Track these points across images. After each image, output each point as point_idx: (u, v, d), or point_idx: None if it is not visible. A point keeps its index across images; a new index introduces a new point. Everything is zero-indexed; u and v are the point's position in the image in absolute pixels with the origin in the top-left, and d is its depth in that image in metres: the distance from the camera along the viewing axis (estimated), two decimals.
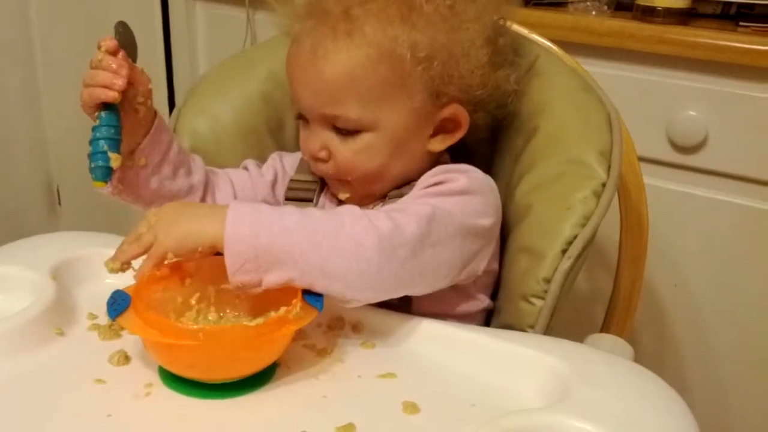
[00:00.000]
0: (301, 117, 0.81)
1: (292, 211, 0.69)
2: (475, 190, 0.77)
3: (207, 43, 1.79)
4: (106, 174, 0.72)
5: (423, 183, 0.79)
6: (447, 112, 0.79)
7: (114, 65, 0.72)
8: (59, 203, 1.64)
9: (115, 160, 0.72)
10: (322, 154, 0.79)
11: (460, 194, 0.76)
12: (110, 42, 0.72)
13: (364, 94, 0.75)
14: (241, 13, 1.62)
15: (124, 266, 0.68)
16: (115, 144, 0.72)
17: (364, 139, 0.78)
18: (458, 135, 0.81)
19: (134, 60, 0.75)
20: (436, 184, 0.77)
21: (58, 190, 1.64)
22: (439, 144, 0.81)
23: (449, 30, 0.75)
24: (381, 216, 0.69)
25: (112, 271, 0.68)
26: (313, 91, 0.77)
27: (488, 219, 0.78)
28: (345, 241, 0.67)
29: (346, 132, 0.78)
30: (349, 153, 0.78)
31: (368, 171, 0.79)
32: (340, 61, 0.74)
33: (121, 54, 0.73)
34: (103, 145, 0.71)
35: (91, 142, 0.72)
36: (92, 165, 0.72)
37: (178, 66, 1.80)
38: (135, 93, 0.74)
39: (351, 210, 0.71)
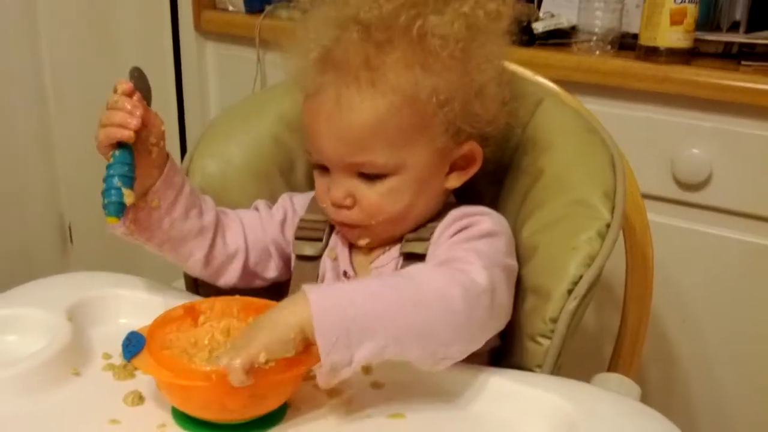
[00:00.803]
0: (319, 166, 0.82)
1: (368, 280, 0.70)
2: (500, 232, 0.79)
3: (218, 82, 1.82)
4: (119, 210, 0.73)
5: (446, 231, 0.80)
6: (464, 149, 0.81)
7: (129, 106, 0.74)
8: (71, 241, 1.66)
9: (128, 196, 0.73)
10: (348, 202, 0.80)
11: (488, 236, 0.78)
12: (126, 85, 0.75)
13: (391, 139, 0.77)
14: (251, 54, 1.65)
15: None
16: (129, 181, 0.73)
17: (390, 182, 0.79)
18: (473, 170, 0.83)
19: (149, 104, 0.77)
20: (462, 229, 0.79)
21: (70, 228, 1.65)
22: (455, 180, 0.83)
23: (464, 72, 0.78)
24: (449, 269, 0.71)
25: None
26: (340, 141, 0.78)
27: (513, 259, 0.80)
28: (431, 297, 0.68)
29: (372, 177, 0.79)
30: (375, 197, 0.80)
31: (394, 213, 0.80)
32: (366, 109, 0.76)
33: (136, 96, 0.75)
34: (116, 181, 0.72)
35: (105, 179, 0.73)
36: (105, 201, 0.73)
37: (190, 105, 1.83)
38: (148, 134, 0.76)
39: (422, 267, 0.73)
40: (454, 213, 0.81)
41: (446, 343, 0.68)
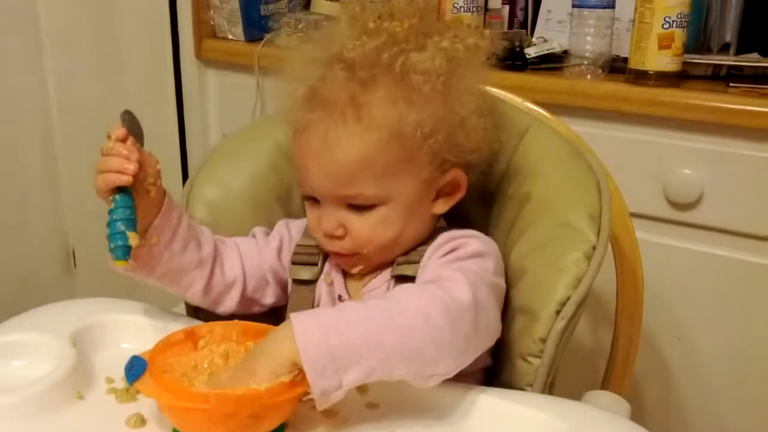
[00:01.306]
0: (310, 198, 0.85)
1: (351, 306, 0.72)
2: (488, 253, 0.81)
3: (218, 109, 1.85)
4: (125, 253, 0.75)
5: (435, 253, 0.82)
6: (449, 176, 0.84)
7: (125, 152, 0.75)
8: (75, 266, 1.68)
9: (133, 238, 0.75)
10: (339, 232, 0.82)
11: (476, 257, 0.80)
12: (119, 131, 0.77)
13: (378, 172, 0.79)
14: (251, 81, 1.68)
15: None
16: (132, 224, 0.75)
17: (380, 212, 0.81)
18: (458, 196, 0.86)
19: (142, 145, 0.79)
20: (451, 251, 0.81)
21: (73, 253, 1.67)
22: (441, 206, 0.86)
23: (446, 104, 0.80)
24: (431, 288, 0.73)
25: None
26: (328, 176, 0.80)
27: (502, 279, 0.82)
28: (413, 318, 0.69)
29: (361, 208, 0.81)
30: (365, 228, 0.82)
31: (385, 241, 0.83)
32: (353, 145, 0.78)
33: (130, 140, 0.77)
34: (120, 225, 0.74)
35: (108, 224, 0.75)
36: (112, 245, 0.75)
37: (191, 131, 1.86)
38: (145, 175, 0.78)
39: (404, 288, 0.75)
40: (443, 236, 0.84)
41: (433, 361, 0.70)
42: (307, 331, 0.67)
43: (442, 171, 0.83)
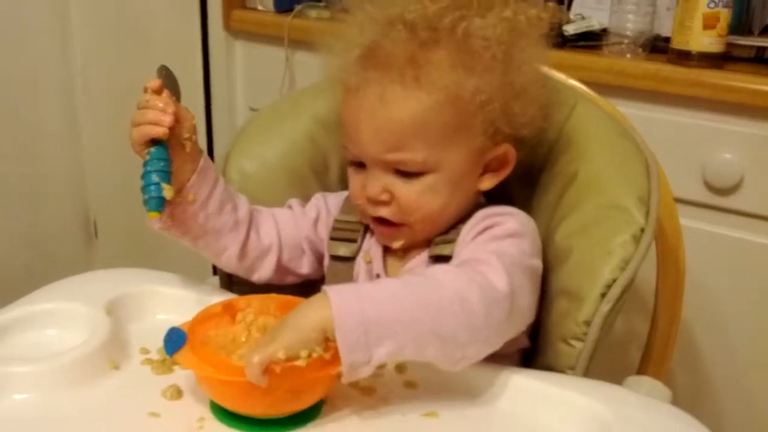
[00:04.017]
0: (355, 163, 0.83)
1: (388, 281, 0.71)
2: (525, 232, 0.80)
3: (246, 81, 1.83)
4: (159, 204, 0.74)
5: (471, 230, 0.80)
6: (500, 150, 0.82)
7: (161, 104, 0.75)
8: (96, 236, 1.68)
9: (167, 190, 0.74)
10: (384, 197, 0.80)
11: (512, 236, 0.78)
12: (155, 83, 0.76)
13: (432, 137, 0.78)
14: (280, 53, 1.66)
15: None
16: (166, 176, 0.75)
17: (427, 180, 0.80)
18: (505, 173, 0.84)
19: (178, 99, 0.78)
20: (486, 228, 0.79)
21: (95, 223, 1.67)
22: (488, 182, 0.84)
23: (505, 73, 0.78)
24: (468, 272, 0.71)
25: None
26: (381, 136, 0.78)
27: (538, 260, 0.80)
28: (450, 299, 0.68)
29: (409, 174, 0.80)
30: (412, 194, 0.80)
31: (430, 211, 0.81)
32: (410, 105, 0.77)
33: (165, 93, 0.76)
34: (154, 177, 0.74)
35: (143, 176, 0.74)
36: (146, 197, 0.74)
37: (217, 103, 1.84)
38: (181, 129, 0.77)
39: (443, 268, 0.73)
40: (480, 213, 0.82)
41: (464, 344, 0.69)
42: (343, 300, 0.66)
43: (494, 142, 0.81)
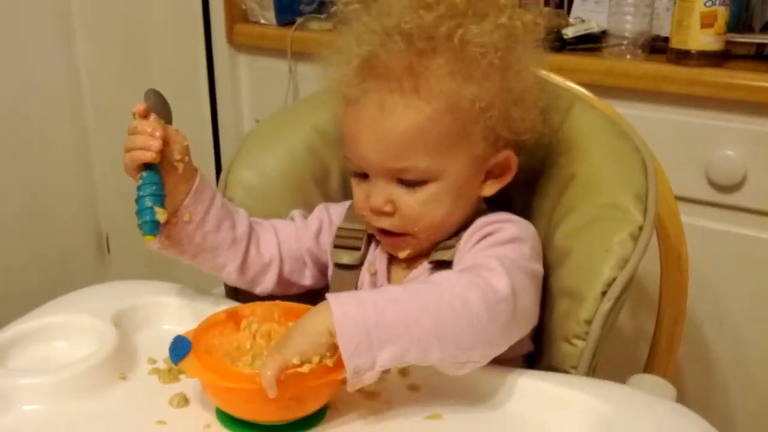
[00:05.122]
0: (358, 174, 0.84)
1: (389, 287, 0.71)
2: (525, 238, 0.80)
3: (251, 94, 1.85)
4: (153, 228, 0.75)
5: (471, 237, 0.81)
6: (501, 156, 0.82)
7: (149, 128, 0.76)
8: (108, 251, 1.69)
9: (160, 213, 0.75)
10: (388, 208, 0.81)
11: (513, 242, 0.78)
12: (140, 107, 0.77)
13: (433, 145, 0.78)
14: (283, 65, 1.68)
15: None
16: (159, 199, 0.76)
17: (430, 189, 0.80)
18: (507, 178, 0.84)
19: (169, 122, 0.79)
20: (486, 236, 0.80)
21: (107, 239, 1.69)
22: (490, 188, 0.84)
23: (503, 80, 0.79)
24: (469, 275, 0.72)
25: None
26: (382, 146, 0.79)
27: (539, 264, 0.81)
28: (452, 302, 0.68)
29: (412, 183, 0.80)
30: (415, 204, 0.80)
31: (434, 220, 0.81)
32: (409, 115, 0.77)
33: (153, 117, 0.77)
34: (147, 201, 0.75)
35: (136, 201, 0.76)
36: (140, 221, 0.75)
37: (223, 116, 1.86)
38: (172, 151, 0.78)
39: (443, 274, 0.74)
40: (480, 221, 0.82)
41: (468, 347, 0.69)
42: (344, 304, 0.66)
43: (495, 149, 0.82)
